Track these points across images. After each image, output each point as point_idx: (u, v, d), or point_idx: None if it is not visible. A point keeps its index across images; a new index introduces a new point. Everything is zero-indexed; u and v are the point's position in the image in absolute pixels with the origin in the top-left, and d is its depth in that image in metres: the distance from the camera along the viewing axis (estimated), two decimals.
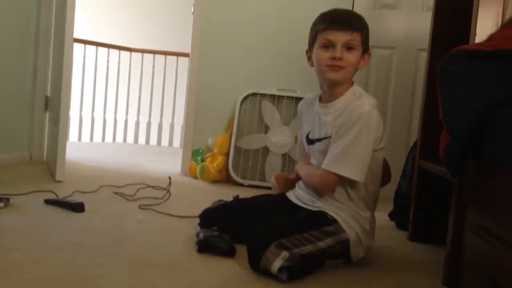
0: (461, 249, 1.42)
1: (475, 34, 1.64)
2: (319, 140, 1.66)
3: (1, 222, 1.77)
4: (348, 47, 1.57)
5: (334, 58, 1.56)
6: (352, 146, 1.53)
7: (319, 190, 1.63)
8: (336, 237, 1.55)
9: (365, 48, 1.63)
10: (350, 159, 1.54)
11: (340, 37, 1.56)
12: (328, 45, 1.58)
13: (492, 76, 1.32)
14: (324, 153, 1.63)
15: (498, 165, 1.18)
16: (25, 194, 2.19)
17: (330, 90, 1.64)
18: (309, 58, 1.68)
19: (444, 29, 2.03)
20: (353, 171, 1.54)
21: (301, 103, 1.84)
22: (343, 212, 1.58)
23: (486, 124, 1.26)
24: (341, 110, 1.59)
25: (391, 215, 2.30)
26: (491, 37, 1.48)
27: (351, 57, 1.58)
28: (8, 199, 1.98)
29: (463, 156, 1.38)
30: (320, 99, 1.70)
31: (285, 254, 1.41)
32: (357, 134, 1.53)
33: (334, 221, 1.56)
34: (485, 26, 1.64)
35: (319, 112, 1.68)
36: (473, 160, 1.35)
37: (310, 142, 1.72)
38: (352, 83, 1.65)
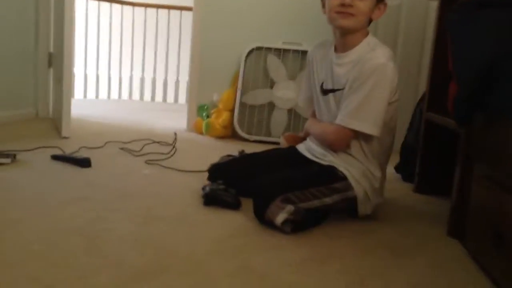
0: (466, 200, 1.42)
1: None
2: (332, 91, 1.62)
3: (8, 178, 1.79)
4: None
5: (343, 4, 1.51)
6: (367, 100, 1.50)
7: (334, 146, 1.60)
8: (344, 194, 1.54)
9: None
10: (365, 113, 1.51)
11: None
12: None
13: (503, 24, 1.28)
14: (337, 104, 1.60)
15: (504, 116, 1.16)
16: (31, 150, 2.20)
17: (343, 39, 1.59)
18: (323, 5, 1.62)
19: None
20: (369, 126, 1.51)
21: (311, 50, 1.78)
22: (354, 169, 1.57)
23: (494, 74, 1.22)
24: (355, 62, 1.55)
25: (397, 168, 2.30)
26: None
27: (362, 4, 1.52)
28: (14, 155, 2.00)
29: (471, 107, 1.35)
30: (335, 49, 1.65)
31: (290, 208, 1.42)
32: (372, 88, 1.49)
33: (343, 177, 1.55)
34: None
35: (333, 63, 1.63)
36: (480, 111, 1.33)
37: (324, 92, 1.67)
38: (366, 33, 1.60)
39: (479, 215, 1.33)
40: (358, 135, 1.55)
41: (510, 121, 1.14)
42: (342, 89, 1.57)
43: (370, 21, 1.59)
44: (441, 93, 1.72)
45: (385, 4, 1.59)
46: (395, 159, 2.29)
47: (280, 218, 1.40)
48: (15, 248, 1.19)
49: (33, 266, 1.10)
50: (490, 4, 1.29)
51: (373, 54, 1.53)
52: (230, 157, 1.95)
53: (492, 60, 1.24)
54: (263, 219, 1.45)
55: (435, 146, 2.00)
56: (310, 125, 1.77)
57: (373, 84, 1.49)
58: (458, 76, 1.35)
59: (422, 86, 2.75)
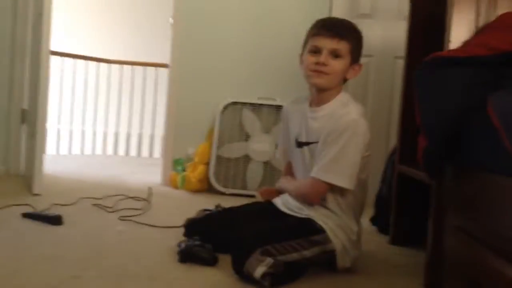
0: (441, 251, 1.44)
1: (450, 41, 1.67)
2: (307, 143, 1.66)
3: None
4: (335, 55, 1.58)
5: (318, 63, 1.57)
6: (340, 154, 1.53)
7: (309, 199, 1.61)
8: (323, 247, 1.55)
9: (355, 58, 1.63)
10: (339, 167, 1.54)
11: (327, 43, 1.57)
12: (316, 51, 1.59)
13: (467, 81, 1.35)
14: (312, 157, 1.63)
15: (474, 168, 1.21)
16: (2, 208, 2.14)
17: (318, 95, 1.65)
18: (301, 62, 1.68)
19: (419, 37, 2.07)
20: (343, 179, 1.54)
21: (287, 105, 1.83)
22: (331, 222, 1.58)
23: (461, 127, 1.28)
24: (328, 117, 1.60)
25: (373, 220, 2.32)
26: (466, 44, 1.52)
27: (336, 64, 1.58)
28: None
29: (441, 160, 1.40)
30: (310, 103, 1.70)
31: (269, 260, 1.41)
32: (346, 143, 1.53)
33: (322, 230, 1.56)
34: (459, 33, 1.68)
35: (308, 117, 1.67)
36: (450, 163, 1.38)
37: (299, 145, 1.70)
38: (340, 90, 1.66)
39: (454, 266, 1.34)
40: (333, 188, 1.58)
41: (478, 172, 1.18)
42: (317, 142, 1.61)
43: (345, 80, 1.66)
44: (411, 146, 1.78)
45: (360, 65, 1.66)
46: (370, 211, 2.32)
47: (259, 271, 1.39)
48: None
49: None
50: (455, 63, 1.37)
51: (346, 110, 1.58)
52: (207, 212, 1.93)
53: (458, 114, 1.30)
54: (241, 272, 1.43)
55: (408, 198, 2.04)
56: (283, 183, 1.79)
57: (346, 139, 1.53)
58: (426, 130, 1.40)
59: (393, 139, 2.84)
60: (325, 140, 1.57)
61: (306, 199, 1.63)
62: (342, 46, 1.58)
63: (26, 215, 2.04)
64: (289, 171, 1.83)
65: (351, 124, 1.55)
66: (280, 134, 1.90)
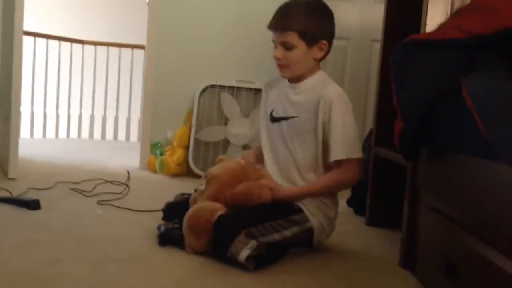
0: (416, 232, 1.48)
1: (426, 24, 1.70)
2: (285, 118, 1.67)
3: None
4: (287, 47, 1.60)
5: (275, 58, 1.62)
6: (350, 128, 1.60)
7: (350, 182, 1.67)
8: (301, 226, 1.58)
9: (313, 39, 1.60)
10: (355, 140, 1.62)
11: (276, 37, 1.62)
12: (275, 45, 1.63)
13: (442, 64, 1.38)
14: (287, 133, 1.65)
15: (447, 150, 1.24)
16: None
17: (295, 79, 1.68)
18: None
19: (396, 20, 2.09)
20: (360, 150, 1.63)
21: (267, 82, 1.84)
22: (308, 202, 1.61)
23: (436, 110, 1.31)
24: (310, 92, 1.63)
25: (349, 202, 2.37)
26: (441, 26, 1.54)
27: (291, 55, 1.60)
28: None
29: (416, 142, 1.43)
30: (289, 80, 1.71)
31: (253, 243, 1.43)
32: (347, 116, 1.61)
33: (299, 210, 1.59)
34: (435, 16, 1.70)
35: (287, 92, 1.69)
36: (425, 145, 1.41)
37: (274, 120, 1.71)
38: (316, 68, 1.67)
39: (429, 246, 1.38)
40: (312, 166, 1.61)
41: (453, 154, 1.22)
42: (295, 117, 1.63)
43: (320, 59, 1.66)
44: (387, 129, 1.81)
45: (325, 43, 1.63)
46: (347, 193, 2.36)
47: (243, 254, 1.41)
48: None
49: None
50: (431, 45, 1.39)
51: (330, 85, 1.64)
52: (185, 196, 1.93)
53: (433, 97, 1.33)
54: (224, 255, 1.45)
55: (384, 179, 2.08)
56: (292, 192, 1.64)
57: (345, 112, 1.60)
58: (402, 113, 1.42)
59: (369, 122, 2.88)
60: (327, 123, 1.58)
61: (347, 185, 1.69)
62: (289, 37, 1.58)
63: (2, 200, 2.01)
64: (256, 155, 1.83)
65: (341, 96, 1.62)
66: (260, 114, 1.90)
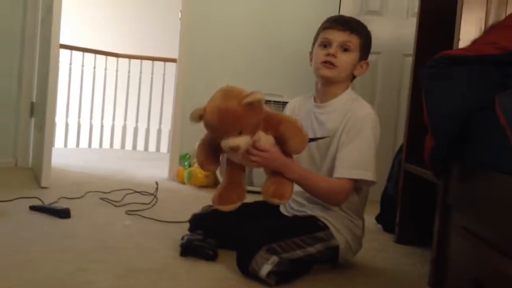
0: (446, 250, 1.44)
1: (459, 39, 1.67)
2: (314, 139, 1.63)
3: None
4: (344, 49, 1.58)
5: (328, 55, 1.58)
6: (366, 148, 1.54)
7: (338, 200, 1.56)
8: (326, 243, 1.55)
9: (363, 55, 1.63)
10: (366, 161, 1.54)
11: (337, 36, 1.58)
12: (326, 44, 1.60)
13: (474, 80, 1.35)
14: (320, 154, 1.61)
15: (480, 167, 1.20)
16: (10, 200, 2.16)
17: (324, 89, 1.64)
18: (311, 58, 1.69)
19: (428, 35, 2.06)
20: (371, 173, 1.54)
21: (292, 101, 1.81)
22: (333, 219, 1.58)
23: (468, 126, 1.28)
24: (339, 112, 1.60)
25: (378, 218, 2.32)
26: (474, 42, 1.51)
27: (346, 57, 1.59)
28: None
29: (447, 159, 1.40)
30: (315, 100, 1.69)
31: (274, 258, 1.41)
32: (368, 136, 1.55)
33: (325, 227, 1.56)
34: (468, 31, 1.67)
35: (315, 112, 1.66)
36: (456, 162, 1.37)
37: None
38: (347, 87, 1.66)
39: (459, 266, 1.34)
40: None
41: (485, 171, 1.18)
42: (326, 137, 1.60)
43: (353, 77, 1.65)
44: (418, 145, 1.77)
45: (367, 64, 1.66)
46: (376, 209, 2.32)
47: (265, 269, 1.39)
48: None
49: None
50: (464, 61, 1.37)
51: (359, 105, 1.60)
52: (212, 207, 1.93)
53: (466, 114, 1.30)
54: (246, 271, 1.44)
55: (414, 196, 2.04)
56: (300, 173, 1.52)
57: (369, 132, 1.55)
58: (433, 129, 1.40)
59: (400, 137, 2.83)
60: (347, 136, 1.55)
61: (334, 200, 1.57)
62: (352, 40, 1.59)
63: (34, 208, 2.06)
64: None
65: (369, 117, 1.57)
66: None
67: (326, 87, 1.64)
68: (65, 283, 1.31)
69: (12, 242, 1.63)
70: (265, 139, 1.44)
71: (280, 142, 1.46)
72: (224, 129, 1.36)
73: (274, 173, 1.49)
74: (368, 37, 1.65)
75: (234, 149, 1.36)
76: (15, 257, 1.48)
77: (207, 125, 1.40)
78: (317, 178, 1.57)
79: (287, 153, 1.48)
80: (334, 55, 1.57)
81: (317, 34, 1.66)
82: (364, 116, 1.57)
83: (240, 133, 1.35)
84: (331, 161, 1.59)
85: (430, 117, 1.39)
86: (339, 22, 1.61)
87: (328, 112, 1.63)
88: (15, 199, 2.20)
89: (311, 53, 1.69)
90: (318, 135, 1.63)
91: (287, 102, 2.88)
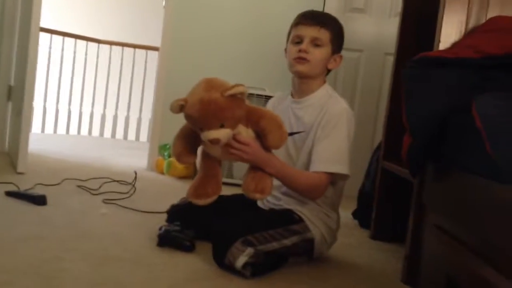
0: (420, 248, 1.47)
1: (440, 41, 1.69)
2: (290, 134, 1.64)
3: None
4: (316, 44, 1.61)
5: (300, 51, 1.60)
6: (340, 143, 1.57)
7: (316, 194, 1.58)
8: (302, 236, 1.57)
9: (336, 49, 1.65)
10: (341, 155, 1.57)
11: (308, 31, 1.61)
12: (298, 41, 1.62)
13: (453, 82, 1.38)
14: (296, 149, 1.64)
15: (455, 168, 1.23)
16: None
17: (300, 85, 1.67)
18: (286, 55, 1.70)
19: (410, 35, 2.09)
20: (345, 167, 1.57)
21: (270, 100, 1.85)
22: (309, 212, 1.61)
23: (445, 128, 1.31)
24: (316, 106, 1.63)
25: (354, 214, 2.36)
26: (454, 45, 1.54)
27: (317, 52, 1.61)
28: None
29: (424, 158, 1.43)
30: (292, 96, 1.72)
31: (250, 250, 1.43)
32: (343, 131, 1.58)
33: (300, 220, 1.59)
34: (449, 34, 1.70)
35: (292, 107, 1.69)
36: (433, 162, 1.40)
37: None
38: (324, 82, 1.69)
39: (432, 263, 1.37)
40: None
41: (459, 172, 1.21)
42: (301, 132, 1.63)
43: (328, 71, 1.69)
44: (396, 143, 1.81)
45: (341, 57, 1.69)
46: (353, 205, 2.35)
47: (240, 261, 1.41)
48: None
49: None
50: (443, 63, 1.39)
51: (335, 100, 1.63)
52: None
53: (443, 115, 1.33)
54: (222, 262, 1.45)
55: (391, 194, 2.07)
56: (280, 168, 1.52)
57: (342, 127, 1.58)
58: (411, 129, 1.42)
59: (378, 135, 2.87)
60: (322, 131, 1.58)
61: (312, 194, 1.58)
62: (323, 35, 1.61)
63: (10, 194, 2.03)
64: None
65: (344, 112, 1.60)
66: None
67: (302, 83, 1.67)
68: (40, 270, 1.30)
69: None
70: (246, 133, 1.44)
71: (260, 136, 1.46)
72: (205, 121, 1.35)
73: (254, 167, 1.49)
74: (340, 30, 1.68)
75: (214, 142, 1.36)
76: None
77: (187, 116, 1.39)
78: (296, 173, 1.59)
79: (266, 148, 1.49)
80: (305, 51, 1.60)
81: (290, 31, 1.68)
82: (339, 111, 1.59)
83: (222, 126, 1.35)
84: (306, 155, 1.62)
85: (409, 118, 1.42)
86: (308, 18, 1.63)
87: (305, 107, 1.66)
88: None
89: (286, 50, 1.71)
90: (295, 130, 1.66)
91: (270, 96, 2.91)
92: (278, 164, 1.52)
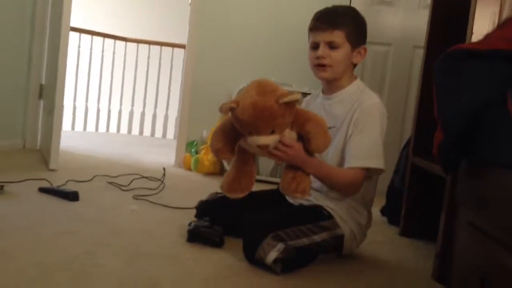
0: (451, 245, 1.44)
1: (472, 33, 1.66)
2: None
3: None
4: (332, 46, 1.59)
5: (318, 57, 1.60)
6: (375, 137, 1.56)
7: (351, 191, 1.57)
8: (331, 232, 1.56)
9: (356, 43, 1.62)
10: (376, 150, 1.56)
11: (321, 36, 1.59)
12: (315, 46, 1.62)
13: (487, 75, 1.34)
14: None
15: (489, 164, 1.20)
16: (19, 182, 2.18)
17: (328, 85, 1.67)
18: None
19: (440, 27, 2.04)
20: (380, 161, 1.56)
21: (305, 99, 1.83)
22: (339, 208, 1.59)
23: (478, 122, 1.27)
24: (347, 101, 1.61)
25: (383, 211, 2.33)
26: (488, 37, 1.49)
27: (336, 55, 1.59)
28: (2, 187, 1.98)
29: (456, 154, 1.40)
30: (323, 91, 1.72)
31: (280, 246, 1.43)
32: (376, 125, 1.57)
33: (330, 216, 1.58)
34: (481, 25, 1.66)
35: (324, 104, 1.68)
36: (466, 158, 1.37)
37: None
38: (354, 76, 1.67)
39: (465, 261, 1.35)
40: None
41: (493, 168, 1.18)
42: (332, 127, 1.59)
43: (354, 65, 1.66)
44: (426, 138, 1.77)
45: (365, 49, 1.65)
46: (381, 201, 2.33)
47: (271, 256, 1.41)
48: (1, 284, 1.18)
49: None
50: (476, 56, 1.36)
51: (367, 95, 1.62)
52: (219, 195, 1.95)
53: (476, 109, 1.29)
54: (252, 258, 1.45)
55: (421, 190, 2.04)
56: (319, 167, 1.53)
57: (375, 121, 1.57)
58: (443, 124, 1.39)
59: (407, 130, 2.83)
60: (355, 127, 1.56)
61: (350, 190, 1.58)
62: (336, 36, 1.58)
63: (43, 190, 2.08)
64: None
65: (377, 106, 1.58)
66: None
67: (330, 84, 1.66)
68: (73, 265, 1.33)
69: (21, 223, 1.65)
70: (289, 135, 1.43)
71: (303, 139, 1.44)
72: (256, 127, 1.33)
73: (293, 167, 1.48)
74: (357, 24, 1.64)
75: (263, 148, 1.35)
76: (24, 239, 1.50)
77: (238, 120, 1.35)
78: (333, 171, 1.58)
79: (308, 151, 1.47)
80: (323, 57, 1.58)
81: (308, 34, 1.67)
82: (372, 106, 1.58)
83: (272, 132, 1.35)
84: (336, 151, 1.60)
85: (440, 112, 1.39)
86: (319, 21, 1.61)
87: (335, 103, 1.65)
88: (24, 180, 2.21)
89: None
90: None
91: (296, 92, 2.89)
92: (316, 163, 1.52)
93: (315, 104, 1.73)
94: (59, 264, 1.33)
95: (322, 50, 1.59)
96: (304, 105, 1.81)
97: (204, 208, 1.82)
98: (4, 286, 1.16)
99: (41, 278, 1.22)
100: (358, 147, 1.55)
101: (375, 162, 1.55)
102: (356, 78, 1.68)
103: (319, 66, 1.61)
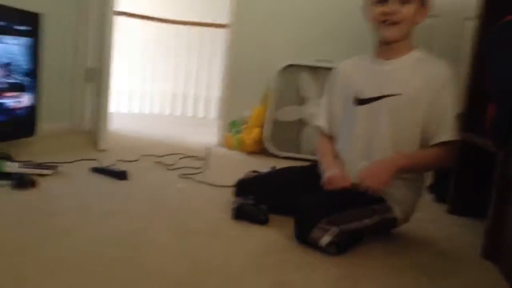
0: (502, 222, 1.41)
1: None
2: (380, 97, 1.55)
3: (50, 189, 1.85)
4: (403, 1, 1.48)
5: (386, 14, 1.48)
6: (456, 107, 1.53)
7: (444, 164, 1.63)
8: (383, 215, 1.54)
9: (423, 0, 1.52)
10: (457, 122, 1.53)
11: None
12: (381, 0, 1.50)
13: None
14: (385, 112, 1.53)
15: None
16: (72, 162, 2.27)
17: (388, 48, 1.56)
18: (366, 15, 1.59)
19: None
20: (459, 133, 1.54)
21: (339, 69, 1.72)
22: (396, 189, 1.55)
23: None
24: (414, 69, 1.53)
25: (431, 188, 2.28)
26: None
27: (406, 10, 1.48)
28: (56, 167, 2.07)
29: (510, 129, 1.35)
30: (377, 57, 1.60)
31: (335, 229, 1.41)
32: (456, 95, 1.53)
33: (381, 199, 1.54)
34: None
35: (380, 69, 1.58)
36: None
37: (362, 102, 1.59)
38: (411, 39, 1.56)
39: None
40: (414, 146, 1.55)
41: None
42: (399, 94, 1.52)
43: (416, 25, 1.55)
44: (477, 114, 1.72)
45: (427, 7, 1.53)
46: (428, 179, 2.28)
47: (325, 240, 1.40)
48: (58, 258, 1.24)
49: (74, 277, 1.14)
50: None
51: (438, 63, 1.54)
52: (255, 173, 1.95)
53: None
54: (305, 240, 1.45)
55: (471, 166, 1.98)
56: (408, 159, 1.52)
57: (454, 91, 1.52)
58: (497, 98, 1.35)
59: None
60: (440, 96, 1.50)
61: (443, 164, 1.64)
62: None
63: (95, 170, 2.16)
64: (327, 148, 1.74)
65: (453, 76, 1.52)
66: (325, 102, 1.76)
67: (391, 48, 1.55)
68: (128, 241, 1.38)
69: (75, 202, 1.72)
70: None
71: None
72: None
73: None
74: None
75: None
76: (77, 216, 1.57)
77: None
78: (422, 156, 1.55)
79: None
80: (393, 13, 1.47)
81: None
82: (449, 76, 1.51)
83: None
84: (399, 117, 1.53)
85: (494, 86, 1.34)
86: None
87: (398, 69, 1.55)
88: (76, 161, 2.30)
89: (364, 8, 1.58)
90: (387, 93, 1.54)
91: None
92: (402, 157, 1.50)
93: (364, 70, 1.62)
94: (112, 240, 1.38)
95: (392, 4, 1.47)
96: (341, 73, 1.71)
97: (242, 186, 1.83)
98: (60, 260, 1.22)
99: (95, 253, 1.28)
100: (448, 120, 1.51)
101: (460, 134, 1.53)
102: (413, 43, 1.57)
103: (384, 22, 1.49)
